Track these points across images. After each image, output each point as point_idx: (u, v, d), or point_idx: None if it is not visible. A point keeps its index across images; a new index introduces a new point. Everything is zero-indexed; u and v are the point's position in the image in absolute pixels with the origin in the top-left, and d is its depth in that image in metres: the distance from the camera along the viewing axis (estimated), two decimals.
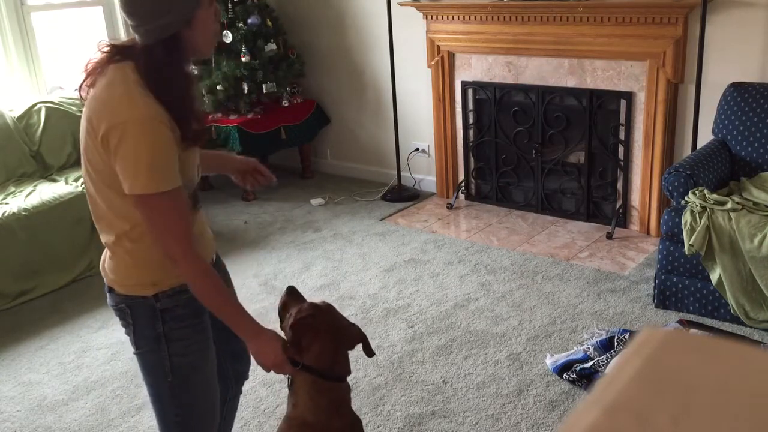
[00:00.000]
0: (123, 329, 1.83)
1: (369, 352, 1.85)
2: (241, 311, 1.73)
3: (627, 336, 2.96)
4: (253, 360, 1.82)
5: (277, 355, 1.71)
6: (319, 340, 1.74)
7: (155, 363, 1.78)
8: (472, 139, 4.72)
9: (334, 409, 1.75)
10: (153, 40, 1.58)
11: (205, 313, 1.82)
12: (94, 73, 1.65)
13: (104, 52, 1.65)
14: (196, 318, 1.79)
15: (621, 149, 4.12)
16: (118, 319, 1.82)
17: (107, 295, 1.81)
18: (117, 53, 1.64)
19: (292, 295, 1.87)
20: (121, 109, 1.55)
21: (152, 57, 1.58)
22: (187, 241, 1.64)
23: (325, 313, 1.80)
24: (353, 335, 1.83)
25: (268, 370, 1.75)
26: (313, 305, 1.80)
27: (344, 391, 1.81)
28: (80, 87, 1.67)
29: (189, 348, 1.78)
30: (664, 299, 3.26)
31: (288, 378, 1.81)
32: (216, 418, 1.92)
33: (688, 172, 3.17)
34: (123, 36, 4.91)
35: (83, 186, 4.05)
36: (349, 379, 1.84)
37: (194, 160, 1.75)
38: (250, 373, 2.15)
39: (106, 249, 1.79)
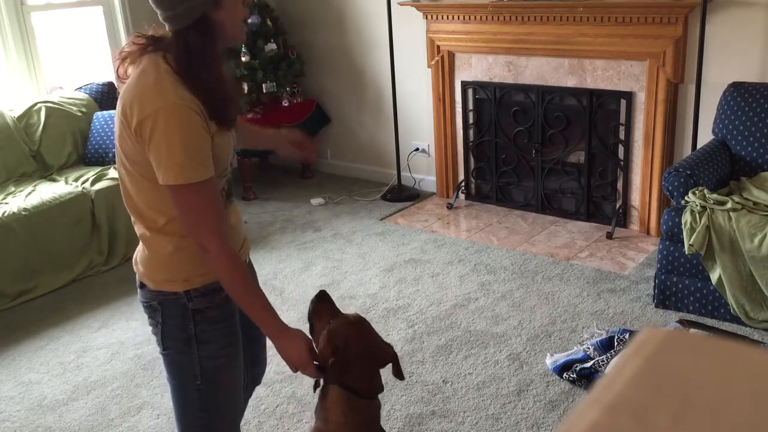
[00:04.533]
0: (150, 328, 1.79)
1: (399, 374, 1.80)
2: (268, 308, 1.69)
3: (627, 336, 2.96)
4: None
5: (301, 355, 1.67)
6: (357, 365, 1.70)
7: (183, 365, 1.75)
8: (472, 138, 4.73)
9: (365, 427, 1.72)
10: (183, 25, 1.56)
11: (236, 315, 1.79)
12: (127, 61, 1.64)
13: (137, 42, 1.64)
14: (228, 320, 1.76)
15: (621, 149, 4.12)
16: (146, 317, 1.79)
17: (138, 290, 1.78)
18: (150, 44, 1.62)
19: (323, 301, 1.80)
20: (152, 98, 1.53)
21: (184, 42, 1.56)
22: (219, 233, 1.62)
23: (361, 334, 1.74)
24: (387, 356, 1.78)
25: (294, 369, 1.71)
26: (348, 325, 1.73)
27: (376, 408, 1.77)
28: (116, 74, 1.67)
29: (219, 351, 1.75)
30: (664, 299, 3.26)
31: (316, 385, 1.77)
32: (238, 422, 1.90)
33: (688, 172, 3.17)
34: (123, 36, 4.91)
35: (82, 187, 4.08)
36: None
37: (229, 146, 1.72)
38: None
39: (140, 242, 1.76)
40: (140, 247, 1.76)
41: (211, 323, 1.73)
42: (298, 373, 1.73)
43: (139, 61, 1.62)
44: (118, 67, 1.65)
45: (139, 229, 1.73)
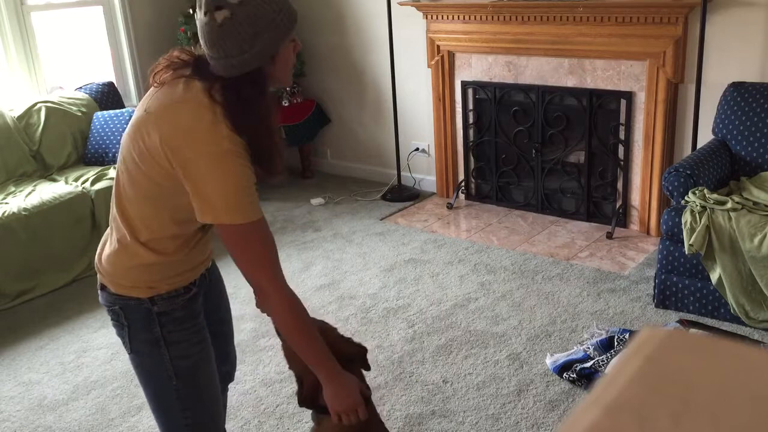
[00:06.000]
0: (115, 330, 1.78)
1: (365, 366, 1.82)
2: (324, 352, 1.68)
3: (627, 336, 2.96)
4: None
5: (356, 398, 1.68)
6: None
7: (156, 367, 1.74)
8: (472, 138, 4.73)
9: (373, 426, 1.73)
10: (236, 74, 1.54)
11: (201, 314, 1.79)
12: (168, 70, 1.61)
13: (182, 59, 1.61)
14: (194, 319, 1.76)
15: (621, 149, 4.12)
16: (110, 319, 1.77)
17: (99, 292, 1.75)
18: (196, 66, 1.59)
19: None
20: (205, 141, 1.51)
21: (237, 92, 1.53)
22: (275, 274, 1.62)
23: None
24: (354, 355, 1.78)
25: (336, 416, 1.69)
26: None
27: (371, 410, 1.75)
28: (151, 77, 1.63)
29: (190, 349, 1.75)
30: (664, 299, 3.26)
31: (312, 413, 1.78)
32: (221, 415, 1.90)
33: (688, 172, 3.17)
34: (123, 36, 4.91)
35: (82, 187, 4.08)
36: None
37: None
38: (249, 374, 2.14)
39: (107, 241, 1.72)
40: (110, 247, 1.71)
41: (178, 324, 1.72)
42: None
43: (180, 81, 1.58)
44: (158, 72, 1.62)
45: (119, 232, 1.68)
